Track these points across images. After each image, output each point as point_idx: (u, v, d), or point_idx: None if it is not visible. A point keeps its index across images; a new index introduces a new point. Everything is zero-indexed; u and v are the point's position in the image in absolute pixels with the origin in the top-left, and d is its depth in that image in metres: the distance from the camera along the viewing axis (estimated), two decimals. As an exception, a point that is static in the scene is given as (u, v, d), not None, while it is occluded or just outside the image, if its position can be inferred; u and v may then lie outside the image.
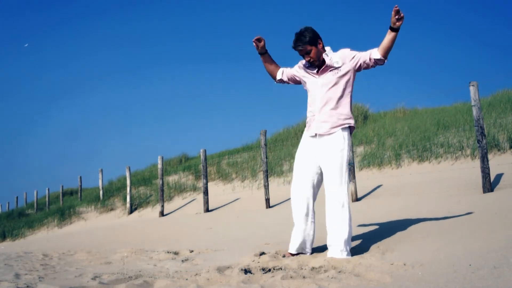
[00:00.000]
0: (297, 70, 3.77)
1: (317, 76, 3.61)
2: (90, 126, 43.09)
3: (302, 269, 3.16)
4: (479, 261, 2.77)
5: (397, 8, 3.26)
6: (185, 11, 44.58)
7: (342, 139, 3.51)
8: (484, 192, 5.95)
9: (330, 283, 2.70)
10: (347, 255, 3.41)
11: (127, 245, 6.48)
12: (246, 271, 3.17)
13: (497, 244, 3.07)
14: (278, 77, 3.89)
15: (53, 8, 46.25)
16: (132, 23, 44.96)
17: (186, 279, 3.12)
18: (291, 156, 11.48)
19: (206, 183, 10.17)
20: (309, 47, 3.53)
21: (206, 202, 9.92)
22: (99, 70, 45.43)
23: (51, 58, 44.61)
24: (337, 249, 3.41)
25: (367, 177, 8.76)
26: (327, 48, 3.62)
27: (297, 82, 3.82)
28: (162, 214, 11.01)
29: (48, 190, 20.29)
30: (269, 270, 3.20)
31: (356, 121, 13.12)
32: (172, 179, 14.16)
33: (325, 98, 3.55)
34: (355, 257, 3.37)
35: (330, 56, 3.57)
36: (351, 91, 3.59)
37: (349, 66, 3.53)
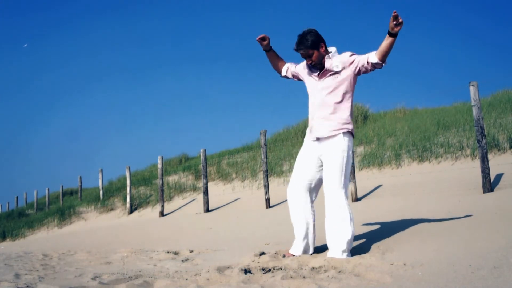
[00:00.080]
0: (301, 70, 3.76)
1: (317, 79, 3.61)
2: (90, 126, 43.11)
3: (302, 269, 3.16)
4: (479, 261, 2.77)
5: (396, 13, 3.20)
6: (185, 11, 44.60)
7: (343, 141, 3.51)
8: (484, 192, 5.96)
9: (330, 283, 2.70)
10: (347, 255, 3.41)
11: (127, 245, 6.48)
12: (246, 271, 3.17)
13: (497, 244, 3.07)
14: (283, 73, 3.91)
15: (53, 8, 46.26)
16: (132, 23, 44.98)
17: (186, 279, 3.12)
18: (291, 156, 11.48)
19: (206, 183, 10.17)
20: (311, 50, 3.52)
21: (206, 202, 9.92)
22: (99, 70, 45.45)
23: (51, 58, 44.63)
24: (337, 249, 3.41)
25: (367, 177, 8.76)
26: (333, 49, 3.60)
27: (300, 80, 3.83)
28: (162, 214, 11.01)
29: (48, 190, 20.29)
30: (269, 270, 3.20)
31: (356, 121, 13.17)
32: (172, 179, 14.16)
33: (324, 102, 3.55)
34: (355, 257, 3.37)
35: (332, 60, 3.55)
36: (351, 96, 3.57)
37: (349, 70, 3.51)
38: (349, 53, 3.55)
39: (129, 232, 8.61)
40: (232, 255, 4.23)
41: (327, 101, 3.54)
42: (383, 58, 3.39)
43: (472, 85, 6.27)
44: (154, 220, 10.48)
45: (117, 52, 44.79)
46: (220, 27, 44.21)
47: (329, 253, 3.47)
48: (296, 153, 10.76)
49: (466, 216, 4.30)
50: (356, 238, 4.09)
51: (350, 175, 7.51)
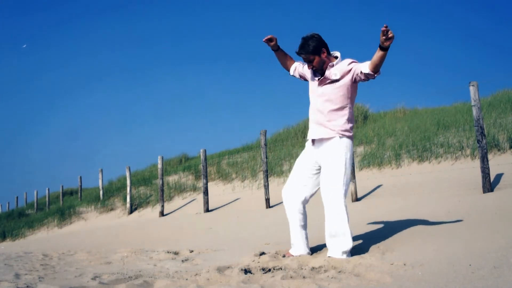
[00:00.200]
0: (307, 71, 3.77)
1: (317, 84, 3.62)
2: (90, 126, 43.11)
3: (302, 269, 3.16)
4: (479, 261, 2.77)
5: (384, 28, 3.17)
6: (185, 11, 44.59)
7: (339, 144, 3.52)
8: (484, 192, 5.96)
9: (330, 283, 2.70)
10: (348, 255, 3.41)
11: (127, 245, 6.48)
12: (246, 271, 3.17)
13: (497, 244, 3.07)
14: (291, 72, 3.93)
15: (53, 8, 46.26)
16: (132, 23, 44.98)
17: (186, 279, 3.12)
18: (291, 156, 11.48)
19: (206, 183, 10.17)
20: (312, 56, 3.54)
21: (206, 202, 9.92)
22: (99, 70, 45.45)
23: (51, 58, 44.63)
24: (337, 250, 3.41)
25: (367, 177, 8.76)
26: (337, 54, 3.61)
27: (306, 80, 3.84)
28: (162, 214, 11.01)
29: (48, 190, 20.29)
30: (269, 270, 3.20)
31: (356, 121, 13.16)
32: (172, 179, 14.16)
33: (321, 109, 3.57)
34: (355, 257, 3.37)
35: (331, 69, 3.55)
36: (350, 103, 3.56)
37: (347, 79, 3.50)
38: (349, 61, 3.54)
39: (129, 232, 8.61)
40: (232, 255, 4.24)
41: (324, 107, 3.56)
42: (375, 69, 3.38)
43: (472, 85, 6.27)
44: (154, 220, 10.48)
45: (117, 52, 44.81)
46: (220, 27, 44.23)
47: (329, 253, 3.48)
48: (296, 153, 10.78)
49: (466, 216, 4.30)
50: (356, 238, 4.09)
51: (350, 175, 7.52)
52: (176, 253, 4.89)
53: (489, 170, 6.05)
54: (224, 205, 10.01)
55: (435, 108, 13.53)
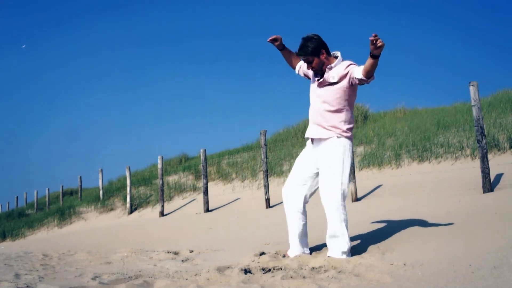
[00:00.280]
0: (310, 71, 3.77)
1: (317, 85, 3.63)
2: (90, 126, 43.11)
3: (302, 269, 3.16)
4: (479, 261, 2.77)
5: (372, 38, 3.16)
6: (185, 11, 44.60)
7: (336, 144, 3.52)
8: (484, 192, 5.96)
9: (330, 283, 2.70)
10: (347, 255, 3.41)
11: (127, 245, 6.48)
12: (246, 271, 3.17)
13: (497, 244, 3.07)
14: (296, 71, 3.95)
15: (53, 8, 46.27)
16: (132, 23, 44.97)
17: (186, 279, 3.12)
18: (291, 156, 11.48)
19: (206, 183, 10.17)
20: (311, 57, 3.56)
21: (206, 202, 9.92)
22: (99, 70, 45.45)
23: (51, 58, 44.63)
24: (337, 250, 3.41)
25: (367, 177, 8.76)
26: (337, 53, 3.61)
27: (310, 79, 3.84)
28: (162, 214, 11.01)
29: (48, 190, 20.29)
30: (269, 270, 3.20)
31: (356, 121, 13.17)
32: (172, 179, 14.16)
33: (320, 109, 3.59)
34: (355, 257, 3.37)
35: (329, 72, 3.55)
36: (347, 105, 3.56)
37: (344, 82, 3.50)
38: (347, 63, 3.52)
39: (129, 232, 8.61)
40: (232, 255, 4.24)
41: (322, 109, 3.58)
42: (367, 75, 3.38)
43: (472, 85, 6.27)
44: (154, 220, 10.48)
45: (117, 52, 44.81)
46: (220, 27, 44.23)
47: (329, 253, 3.48)
48: (296, 153, 10.78)
49: (466, 216, 4.30)
50: (356, 238, 4.09)
51: (350, 175, 7.53)
52: (176, 253, 4.89)
53: (489, 170, 6.06)
54: (224, 205, 10.01)
55: (435, 108, 13.53)
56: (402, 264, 3.00)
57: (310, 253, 3.74)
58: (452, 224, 4.01)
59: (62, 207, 16.48)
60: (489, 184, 5.99)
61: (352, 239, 4.03)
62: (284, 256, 3.71)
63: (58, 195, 20.81)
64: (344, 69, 3.50)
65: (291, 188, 3.71)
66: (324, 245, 3.87)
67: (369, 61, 3.30)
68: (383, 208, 5.97)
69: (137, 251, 5.39)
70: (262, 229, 6.08)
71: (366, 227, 4.52)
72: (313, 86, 3.67)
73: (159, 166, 11.83)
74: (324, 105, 3.56)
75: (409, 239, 3.71)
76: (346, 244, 3.40)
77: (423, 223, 4.22)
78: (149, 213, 12.07)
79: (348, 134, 3.56)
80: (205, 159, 10.50)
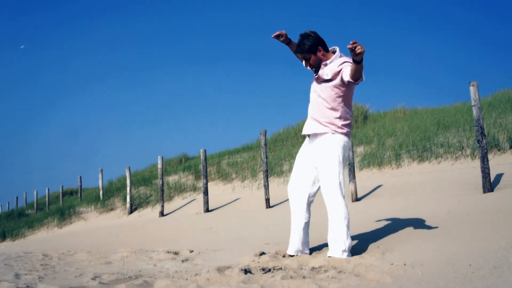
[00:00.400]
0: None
1: (314, 80, 3.66)
2: (90, 126, 43.11)
3: (302, 269, 3.16)
4: (479, 261, 2.77)
5: (350, 46, 3.14)
6: (185, 11, 44.59)
7: (333, 140, 3.52)
8: (484, 192, 5.96)
9: (330, 283, 2.70)
10: (348, 255, 3.41)
11: (127, 245, 6.48)
12: (246, 271, 3.17)
13: (497, 244, 3.07)
14: (304, 65, 3.92)
15: (53, 8, 46.27)
16: (132, 23, 44.98)
17: (186, 279, 3.12)
18: (291, 156, 11.48)
19: (206, 183, 10.17)
20: (308, 55, 3.58)
21: (206, 202, 9.92)
22: (99, 70, 45.45)
23: (51, 58, 44.64)
24: (337, 249, 3.41)
25: (367, 177, 8.76)
26: (335, 49, 3.62)
27: None
28: (162, 214, 11.01)
29: (48, 190, 20.29)
30: (269, 270, 3.20)
31: (356, 121, 13.17)
32: (172, 179, 14.16)
33: (315, 104, 3.62)
34: (355, 257, 3.37)
35: (324, 67, 3.56)
36: (343, 101, 3.54)
37: (338, 80, 3.50)
38: (341, 61, 3.51)
39: (129, 232, 8.61)
40: (232, 255, 4.24)
41: (317, 104, 3.60)
42: (354, 78, 3.37)
43: (472, 85, 6.27)
44: (154, 220, 10.47)
45: (117, 52, 44.82)
46: (220, 27, 44.24)
47: (329, 253, 3.48)
48: (296, 153, 10.77)
49: (466, 216, 4.30)
50: (356, 238, 4.09)
51: (350, 175, 7.53)
52: (176, 253, 4.89)
53: (489, 170, 6.05)
54: (224, 205, 10.01)
55: (435, 108, 13.52)
56: (402, 264, 3.00)
57: (310, 253, 3.75)
58: (452, 224, 4.01)
59: (62, 207, 16.48)
60: (489, 184, 5.99)
61: (352, 239, 4.02)
62: (284, 256, 3.71)
63: (58, 195, 20.81)
64: (337, 66, 3.50)
65: (295, 185, 3.73)
66: (324, 245, 3.87)
67: (353, 66, 3.31)
68: (383, 208, 5.97)
69: (137, 251, 5.39)
70: (262, 229, 6.08)
71: (366, 227, 4.52)
72: (313, 81, 3.69)
73: (159, 166, 11.83)
74: (320, 100, 3.58)
75: (409, 239, 3.71)
76: (346, 243, 3.40)
77: (423, 223, 4.22)
78: (149, 213, 12.07)
79: (344, 131, 3.56)
80: (205, 159, 10.50)
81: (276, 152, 12.63)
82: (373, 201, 7.04)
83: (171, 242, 6.17)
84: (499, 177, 6.48)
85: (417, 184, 7.36)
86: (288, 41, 3.87)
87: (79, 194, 18.22)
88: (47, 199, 19.92)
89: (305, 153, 3.74)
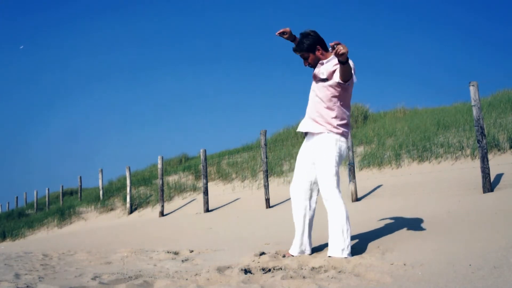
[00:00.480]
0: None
1: (313, 79, 3.68)
2: (90, 126, 43.11)
3: (302, 269, 3.16)
4: (479, 261, 2.77)
5: (332, 44, 3.16)
6: (185, 11, 44.60)
7: (328, 139, 3.53)
8: (484, 192, 5.96)
9: (330, 283, 2.70)
10: (348, 254, 3.41)
11: (127, 245, 6.48)
12: (246, 271, 3.17)
13: (497, 244, 3.07)
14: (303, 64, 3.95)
15: (53, 8, 46.26)
16: (132, 23, 44.98)
17: (186, 279, 3.12)
18: (291, 156, 11.48)
19: (206, 183, 10.17)
20: (306, 53, 3.62)
21: (206, 202, 9.92)
22: (99, 70, 45.45)
23: (51, 58, 44.64)
24: (338, 248, 3.41)
25: (367, 177, 8.76)
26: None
27: None
28: (162, 214, 11.01)
29: (48, 190, 20.28)
30: (269, 270, 3.20)
31: (356, 121, 13.16)
32: (172, 179, 14.16)
33: (313, 104, 3.63)
34: (355, 257, 3.37)
35: (321, 66, 3.58)
36: (339, 101, 3.54)
37: (333, 79, 3.51)
38: (337, 61, 3.49)
39: (129, 232, 8.61)
40: (232, 255, 4.23)
41: (314, 103, 3.62)
42: (343, 79, 3.39)
43: (472, 85, 6.27)
44: (154, 220, 10.47)
45: (117, 52, 44.82)
46: (220, 27, 44.24)
47: (329, 252, 3.47)
48: (296, 153, 10.76)
49: (466, 216, 4.30)
50: (356, 238, 4.09)
51: (350, 175, 7.52)
52: (176, 253, 4.89)
53: (489, 170, 6.05)
54: (224, 205, 10.01)
55: (435, 108, 13.53)
56: (402, 264, 3.00)
57: (311, 253, 3.74)
58: (452, 224, 4.01)
59: (62, 207, 16.48)
60: (489, 184, 5.99)
61: (352, 239, 4.03)
62: (284, 256, 3.70)
63: (58, 195, 20.81)
64: (332, 66, 3.52)
65: (298, 185, 3.73)
66: (324, 245, 3.87)
67: (340, 67, 3.33)
68: (383, 208, 5.97)
69: (137, 251, 5.39)
70: (262, 229, 6.08)
71: (366, 227, 4.52)
72: (313, 81, 3.70)
73: (159, 166, 11.83)
74: (317, 100, 3.59)
75: (409, 239, 3.71)
76: (346, 241, 3.40)
77: (423, 223, 4.22)
78: (149, 213, 12.07)
79: (339, 130, 3.56)
80: (205, 159, 10.50)
81: (276, 152, 12.63)
82: (373, 201, 7.04)
83: (171, 242, 6.17)
84: (499, 177, 6.48)
85: (417, 184, 7.37)
86: (292, 38, 3.86)
87: (79, 194, 18.22)
88: (47, 199, 19.92)
89: (305, 152, 3.75)
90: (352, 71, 3.43)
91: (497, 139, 8.06)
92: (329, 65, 3.54)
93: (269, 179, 9.64)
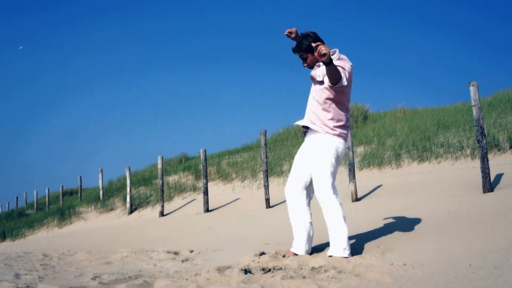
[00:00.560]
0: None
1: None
2: (90, 126, 43.12)
3: (302, 269, 3.16)
4: (479, 261, 2.77)
5: (314, 44, 3.17)
6: (185, 11, 44.60)
7: (324, 141, 3.53)
8: (484, 192, 5.96)
9: (330, 283, 2.70)
10: (348, 253, 3.41)
11: (127, 245, 6.48)
12: (246, 271, 3.17)
13: (497, 244, 3.07)
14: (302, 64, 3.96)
15: (53, 8, 46.27)
16: (132, 23, 44.98)
17: (186, 279, 3.12)
18: (291, 156, 11.48)
19: (206, 183, 10.17)
20: (305, 54, 3.63)
21: (206, 202, 9.92)
22: (99, 70, 45.46)
23: (51, 58, 44.65)
24: (338, 247, 3.41)
25: (367, 177, 8.76)
26: (335, 51, 3.61)
27: None
28: (162, 214, 11.01)
29: (48, 190, 20.28)
30: (269, 270, 3.20)
31: (356, 121, 13.16)
32: (172, 179, 14.16)
33: (310, 105, 3.65)
34: (355, 257, 3.37)
35: (317, 68, 3.59)
36: (335, 103, 3.53)
37: (325, 83, 3.51)
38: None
39: (129, 232, 8.61)
40: (232, 255, 4.23)
41: (312, 105, 3.64)
42: (332, 82, 3.39)
43: (472, 85, 6.27)
44: (154, 220, 10.47)
45: (117, 52, 44.83)
46: (220, 27, 44.24)
47: (329, 252, 3.47)
48: (296, 153, 10.78)
49: (466, 216, 4.30)
50: (356, 238, 4.09)
51: (350, 175, 7.52)
52: (176, 253, 4.89)
53: (489, 170, 6.05)
54: (224, 205, 10.01)
55: (435, 108, 13.53)
56: (402, 264, 3.00)
57: (311, 253, 3.74)
58: (452, 224, 4.01)
59: (62, 207, 16.48)
60: (489, 184, 5.99)
61: (352, 239, 4.03)
62: (284, 256, 3.70)
63: (58, 195, 20.82)
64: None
65: (293, 185, 3.73)
66: (324, 245, 3.87)
67: (325, 68, 3.33)
68: (383, 208, 5.97)
69: (137, 251, 5.39)
70: (262, 229, 6.08)
71: (366, 227, 4.52)
72: (312, 83, 3.71)
73: (159, 166, 11.83)
74: (314, 102, 3.61)
75: (409, 239, 3.71)
76: (346, 241, 3.40)
77: (423, 223, 4.22)
78: (149, 213, 12.07)
79: (336, 132, 3.55)
80: (205, 159, 10.50)
81: (276, 152, 12.63)
82: (373, 201, 7.04)
83: (171, 242, 6.17)
84: (499, 177, 6.48)
85: (417, 184, 7.37)
86: (299, 39, 3.87)
87: (79, 194, 18.22)
88: (47, 199, 19.92)
89: (302, 153, 3.75)
90: (343, 74, 3.40)
91: (497, 139, 8.06)
92: (324, 69, 3.53)
93: (269, 179, 9.64)
